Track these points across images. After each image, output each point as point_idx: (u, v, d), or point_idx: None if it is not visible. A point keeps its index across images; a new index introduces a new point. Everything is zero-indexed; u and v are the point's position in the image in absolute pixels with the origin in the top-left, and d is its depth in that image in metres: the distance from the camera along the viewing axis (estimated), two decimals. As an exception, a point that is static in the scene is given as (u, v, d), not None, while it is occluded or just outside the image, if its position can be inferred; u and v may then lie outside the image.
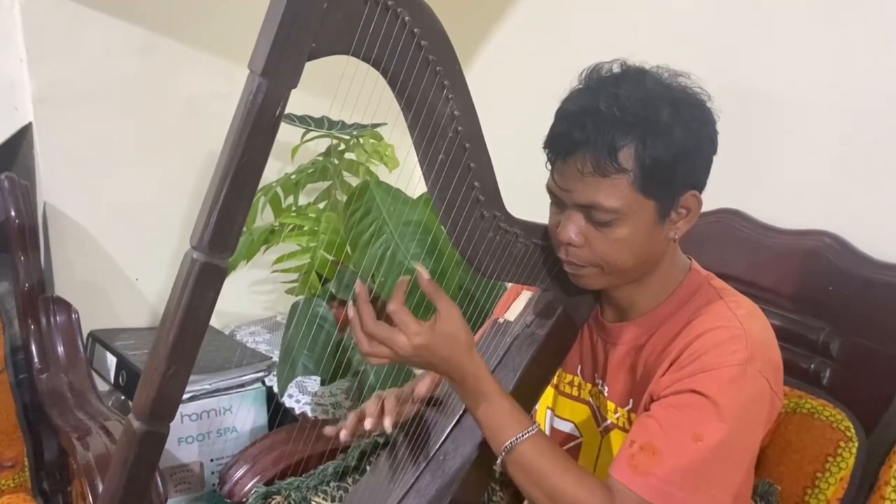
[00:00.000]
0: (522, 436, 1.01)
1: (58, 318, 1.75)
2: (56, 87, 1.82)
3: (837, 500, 1.23)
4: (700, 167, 1.02)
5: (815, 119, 1.46)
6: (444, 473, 1.09)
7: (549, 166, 1.04)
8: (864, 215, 1.39)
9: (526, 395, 1.11)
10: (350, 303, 0.96)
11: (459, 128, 0.98)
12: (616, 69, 1.03)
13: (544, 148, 1.03)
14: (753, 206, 1.50)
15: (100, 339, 1.92)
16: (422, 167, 1.00)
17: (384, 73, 0.93)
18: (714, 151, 1.03)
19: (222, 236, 0.86)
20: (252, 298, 2.22)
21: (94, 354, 1.92)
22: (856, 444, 1.23)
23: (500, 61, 2.02)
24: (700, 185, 1.04)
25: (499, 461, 1.03)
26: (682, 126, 0.97)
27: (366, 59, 0.91)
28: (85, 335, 1.85)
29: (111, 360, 1.86)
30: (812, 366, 1.35)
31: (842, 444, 1.24)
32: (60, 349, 1.74)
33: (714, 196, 1.25)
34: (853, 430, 1.24)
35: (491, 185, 1.03)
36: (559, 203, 1.05)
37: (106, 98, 1.88)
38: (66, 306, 1.77)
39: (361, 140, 1.91)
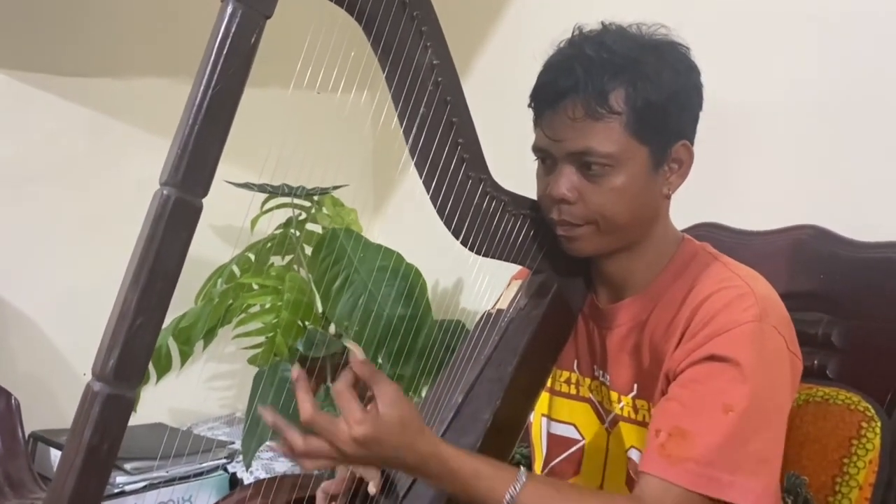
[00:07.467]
0: (517, 486, 0.87)
1: (-5, 407, 1.60)
2: (0, 168, 1.76)
3: (870, 485, 1.13)
4: (689, 114, 1.01)
5: (773, 121, 1.49)
6: None
7: (536, 121, 1.01)
8: (837, 204, 1.39)
9: (530, 378, 1.03)
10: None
11: (440, 79, 0.95)
12: (596, 29, 1.02)
13: (530, 104, 1.01)
14: (729, 215, 1.48)
15: (43, 437, 1.75)
16: (401, 123, 0.96)
17: (358, 18, 0.91)
18: (700, 104, 1.02)
19: (197, 169, 0.79)
20: (209, 395, 2.07)
21: (35, 455, 1.73)
22: (878, 424, 1.15)
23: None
24: (690, 137, 1.02)
25: None
26: (670, 69, 0.97)
27: (338, 2, 0.89)
28: (26, 434, 1.68)
29: (55, 456, 1.68)
30: (816, 361, 1.28)
31: (864, 424, 1.16)
32: (-3, 440, 1.57)
33: (689, 212, 1.23)
34: (873, 410, 1.17)
35: (475, 144, 0.99)
36: (549, 160, 1.01)
37: (52, 180, 1.82)
38: (4, 394, 1.63)
39: (325, 209, 1.86)
